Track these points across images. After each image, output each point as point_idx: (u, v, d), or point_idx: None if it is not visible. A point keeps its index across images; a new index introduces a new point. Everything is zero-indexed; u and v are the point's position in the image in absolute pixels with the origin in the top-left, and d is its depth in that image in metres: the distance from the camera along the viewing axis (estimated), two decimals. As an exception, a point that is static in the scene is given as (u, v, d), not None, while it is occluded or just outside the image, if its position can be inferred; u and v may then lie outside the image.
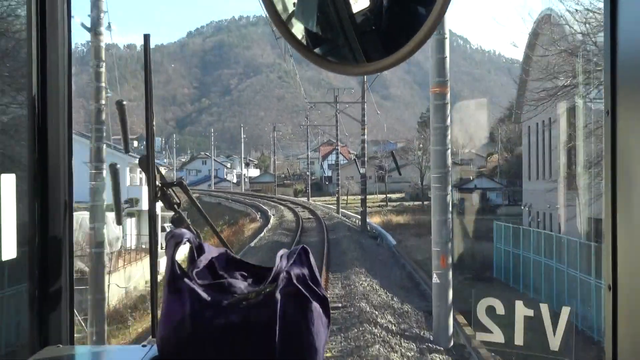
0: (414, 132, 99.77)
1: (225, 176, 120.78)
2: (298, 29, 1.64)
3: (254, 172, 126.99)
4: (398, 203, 75.36)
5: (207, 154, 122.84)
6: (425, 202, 69.68)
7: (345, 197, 77.06)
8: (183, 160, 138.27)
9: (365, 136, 49.01)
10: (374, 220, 51.17)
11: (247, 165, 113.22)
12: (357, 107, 52.74)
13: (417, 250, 33.82)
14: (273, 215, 54.46)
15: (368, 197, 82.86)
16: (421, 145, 74.20)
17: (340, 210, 59.58)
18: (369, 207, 70.10)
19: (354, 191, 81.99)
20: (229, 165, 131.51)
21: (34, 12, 2.16)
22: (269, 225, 46.17)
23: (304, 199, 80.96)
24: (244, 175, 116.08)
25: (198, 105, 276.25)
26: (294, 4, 1.63)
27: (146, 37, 1.90)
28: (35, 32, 2.17)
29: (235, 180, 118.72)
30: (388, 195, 78.68)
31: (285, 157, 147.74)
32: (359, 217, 48.92)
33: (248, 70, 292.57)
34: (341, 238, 37.52)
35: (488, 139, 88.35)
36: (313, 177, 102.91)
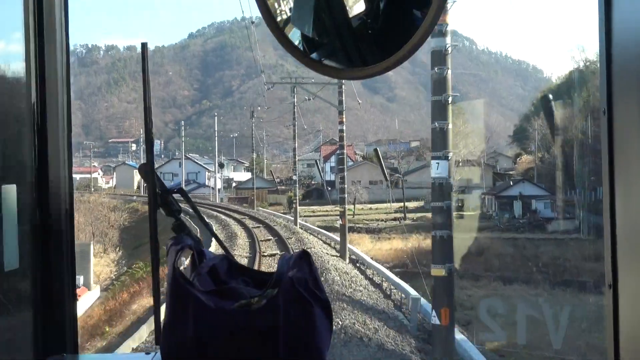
0: (423, 133, 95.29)
1: (207, 181, 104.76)
2: (294, 34, 1.67)
3: (245, 176, 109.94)
4: (419, 215, 59.43)
5: (186, 154, 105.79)
6: (457, 213, 55.62)
7: (352, 207, 62.55)
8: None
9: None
10: (395, 245, 32.64)
11: (221, 166, 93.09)
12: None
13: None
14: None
15: (379, 206, 69.80)
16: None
17: (348, 247, 33.37)
18: (382, 220, 54.53)
19: (362, 199, 71.98)
20: (213, 168, 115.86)
21: (32, 21, 2.20)
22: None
23: (299, 216, 58.86)
24: (230, 179, 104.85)
25: (199, 107, 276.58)
26: (290, 9, 1.67)
27: (144, 45, 1.93)
28: (33, 41, 2.21)
29: (219, 186, 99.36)
30: (404, 204, 64.72)
31: (285, 159, 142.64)
32: (385, 269, 27.75)
33: (250, 72, 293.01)
34: None
35: (511, 138, 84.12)
36: (313, 182, 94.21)
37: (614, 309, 1.62)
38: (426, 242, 34.46)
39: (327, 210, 67.46)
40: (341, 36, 1.60)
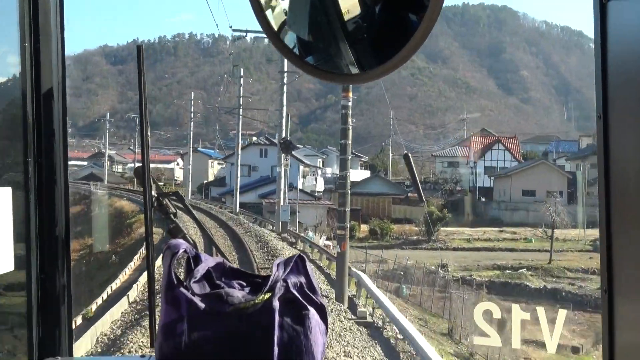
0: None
1: (301, 180, 68.84)
2: (290, 39, 1.73)
3: (362, 175, 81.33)
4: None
5: (270, 137, 74.41)
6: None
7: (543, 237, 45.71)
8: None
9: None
10: None
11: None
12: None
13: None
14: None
15: (563, 232, 46.80)
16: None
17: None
18: (586, 280, 34.95)
19: (565, 222, 48.33)
20: (319, 162, 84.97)
21: (27, 25, 2.32)
22: None
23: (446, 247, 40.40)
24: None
25: (323, 101, 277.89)
26: (285, 13, 1.72)
27: (139, 48, 2.01)
28: (29, 45, 2.33)
29: (320, 188, 71.79)
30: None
31: (412, 154, 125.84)
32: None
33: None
34: None
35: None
36: (458, 189, 71.52)
37: (609, 314, 1.66)
38: None
39: (488, 239, 49.91)
40: (337, 41, 1.64)
